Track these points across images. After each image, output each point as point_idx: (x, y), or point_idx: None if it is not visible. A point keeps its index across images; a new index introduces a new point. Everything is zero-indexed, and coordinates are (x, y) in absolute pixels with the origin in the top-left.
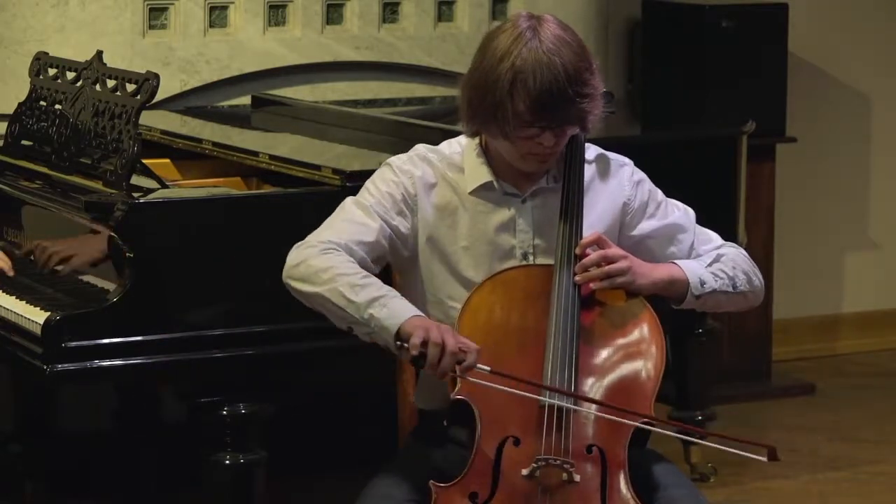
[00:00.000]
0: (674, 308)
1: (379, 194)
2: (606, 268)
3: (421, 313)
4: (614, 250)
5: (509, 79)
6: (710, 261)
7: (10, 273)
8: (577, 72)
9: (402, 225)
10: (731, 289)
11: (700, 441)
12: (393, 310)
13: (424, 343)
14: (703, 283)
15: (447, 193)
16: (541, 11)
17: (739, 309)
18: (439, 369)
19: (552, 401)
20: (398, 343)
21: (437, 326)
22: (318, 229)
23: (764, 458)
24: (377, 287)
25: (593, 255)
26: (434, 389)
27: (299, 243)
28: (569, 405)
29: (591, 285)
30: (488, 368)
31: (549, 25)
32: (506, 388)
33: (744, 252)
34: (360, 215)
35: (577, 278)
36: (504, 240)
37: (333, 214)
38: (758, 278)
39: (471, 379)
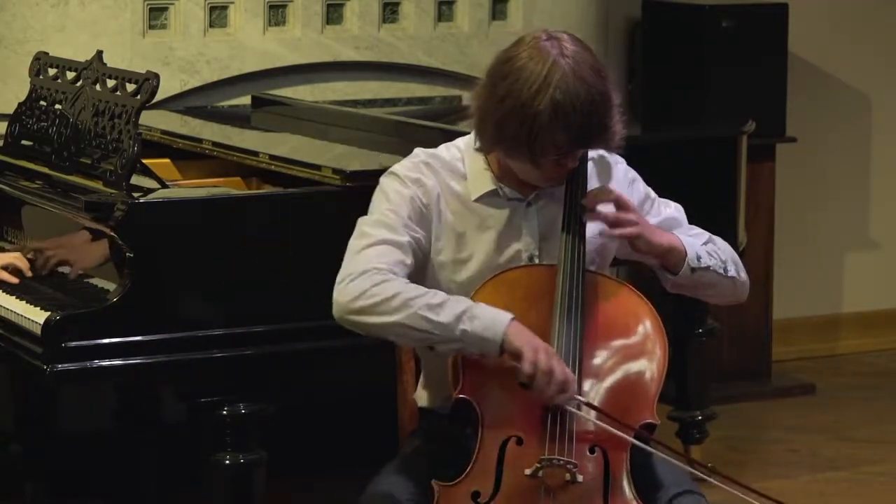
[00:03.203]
0: (670, 278)
1: (397, 209)
2: (617, 214)
3: (512, 315)
4: (629, 200)
5: (549, 111)
6: (705, 240)
7: (28, 274)
8: (606, 97)
9: (423, 236)
10: (722, 271)
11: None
12: (485, 319)
13: (534, 368)
14: (699, 258)
15: (452, 200)
16: (540, 11)
17: (726, 298)
18: (544, 395)
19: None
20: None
21: (545, 349)
22: (351, 259)
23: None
24: (454, 301)
25: (608, 197)
26: (435, 388)
27: (343, 278)
28: (573, 410)
29: (602, 234)
30: (583, 399)
31: (570, 47)
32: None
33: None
34: (389, 235)
35: (586, 216)
36: (510, 244)
37: (356, 239)
38: (744, 272)
39: (569, 409)
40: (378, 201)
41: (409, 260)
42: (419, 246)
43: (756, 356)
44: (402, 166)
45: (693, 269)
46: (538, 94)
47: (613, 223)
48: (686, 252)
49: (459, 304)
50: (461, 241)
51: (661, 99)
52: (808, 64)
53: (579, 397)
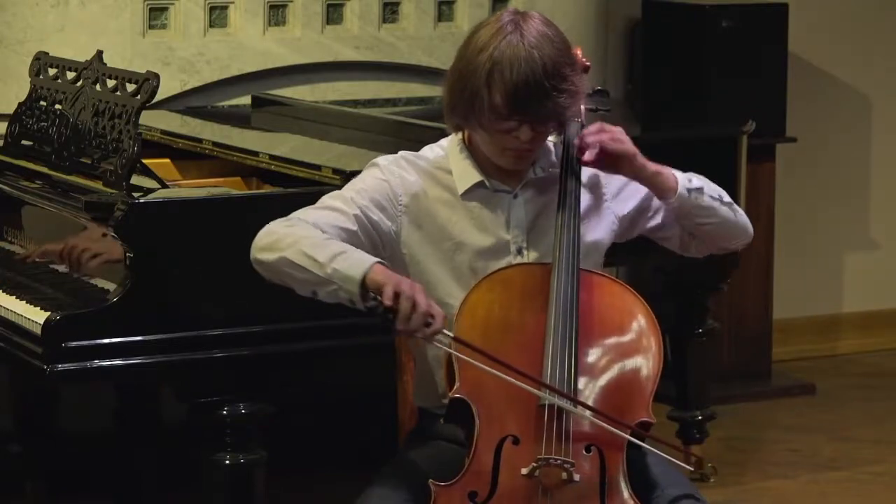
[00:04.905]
0: (668, 208)
1: (361, 189)
2: (605, 135)
3: (384, 261)
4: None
5: (487, 69)
6: (691, 175)
7: None
8: (555, 66)
9: (383, 222)
10: (717, 196)
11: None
12: (356, 259)
13: (397, 296)
14: (690, 180)
15: (439, 194)
16: (540, 11)
17: (732, 231)
18: (409, 326)
19: (552, 399)
20: (370, 296)
21: (409, 282)
22: (290, 215)
23: (691, 468)
24: (339, 244)
25: (594, 126)
26: (430, 385)
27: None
28: (568, 407)
29: (586, 156)
30: (452, 335)
31: (533, 21)
32: (497, 373)
33: None
34: (338, 204)
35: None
36: (498, 236)
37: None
38: (739, 208)
39: (435, 344)
40: (350, 183)
41: (352, 228)
42: (375, 228)
43: (756, 356)
44: (385, 159)
45: (689, 191)
46: (479, 55)
47: (608, 142)
48: (675, 175)
49: (340, 247)
50: (451, 231)
51: (661, 99)
52: (808, 64)
53: (448, 332)
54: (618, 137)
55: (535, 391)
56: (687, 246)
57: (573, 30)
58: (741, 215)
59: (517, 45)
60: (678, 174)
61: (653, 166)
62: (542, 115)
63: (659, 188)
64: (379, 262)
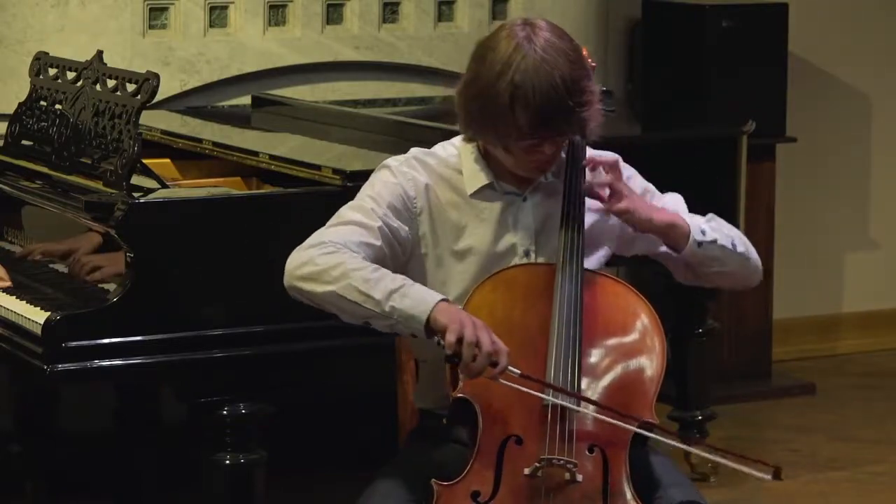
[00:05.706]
0: (676, 257)
1: (378, 196)
2: (613, 182)
3: (444, 296)
4: (621, 184)
5: (509, 94)
6: (708, 219)
7: (8, 283)
8: (574, 81)
9: (402, 228)
10: (730, 245)
11: (698, 452)
12: (415, 298)
13: (459, 341)
14: (703, 232)
15: (448, 196)
16: (540, 11)
17: (739, 277)
18: (472, 369)
19: (556, 401)
20: (435, 338)
21: (472, 322)
22: (315, 234)
23: (769, 477)
24: (392, 278)
25: (604, 161)
26: (432, 388)
27: (298, 247)
28: (573, 406)
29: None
30: (518, 371)
31: (544, 34)
32: (518, 387)
33: None
34: (360, 217)
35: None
36: (506, 239)
37: (331, 220)
38: (754, 251)
39: (502, 381)
40: (363, 189)
41: (377, 243)
42: (395, 236)
43: (756, 356)
44: (395, 160)
45: (699, 244)
46: (499, 78)
47: (609, 194)
48: (689, 227)
49: (395, 281)
50: (459, 233)
51: (661, 99)
52: (808, 64)
53: (514, 369)
54: (622, 209)
55: (558, 402)
56: (691, 280)
57: (573, 30)
58: (753, 262)
59: (535, 65)
60: (692, 222)
61: (663, 217)
62: (566, 130)
63: (670, 239)
64: (442, 300)
